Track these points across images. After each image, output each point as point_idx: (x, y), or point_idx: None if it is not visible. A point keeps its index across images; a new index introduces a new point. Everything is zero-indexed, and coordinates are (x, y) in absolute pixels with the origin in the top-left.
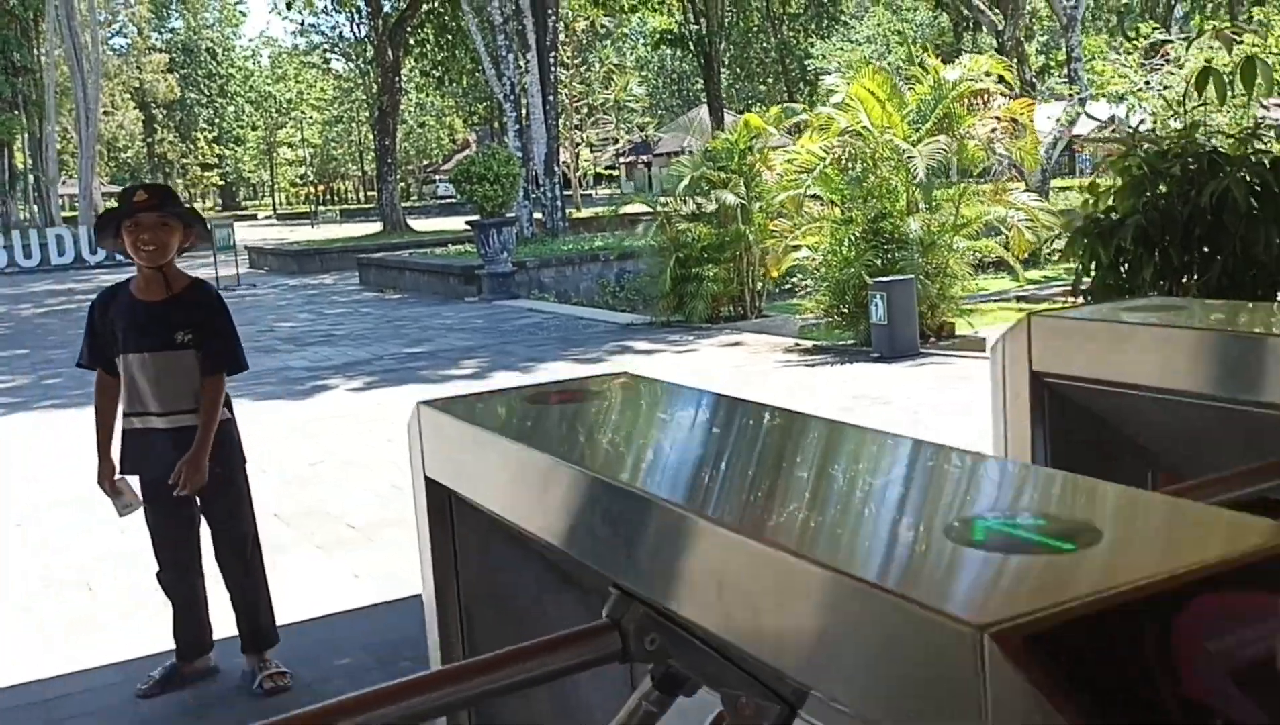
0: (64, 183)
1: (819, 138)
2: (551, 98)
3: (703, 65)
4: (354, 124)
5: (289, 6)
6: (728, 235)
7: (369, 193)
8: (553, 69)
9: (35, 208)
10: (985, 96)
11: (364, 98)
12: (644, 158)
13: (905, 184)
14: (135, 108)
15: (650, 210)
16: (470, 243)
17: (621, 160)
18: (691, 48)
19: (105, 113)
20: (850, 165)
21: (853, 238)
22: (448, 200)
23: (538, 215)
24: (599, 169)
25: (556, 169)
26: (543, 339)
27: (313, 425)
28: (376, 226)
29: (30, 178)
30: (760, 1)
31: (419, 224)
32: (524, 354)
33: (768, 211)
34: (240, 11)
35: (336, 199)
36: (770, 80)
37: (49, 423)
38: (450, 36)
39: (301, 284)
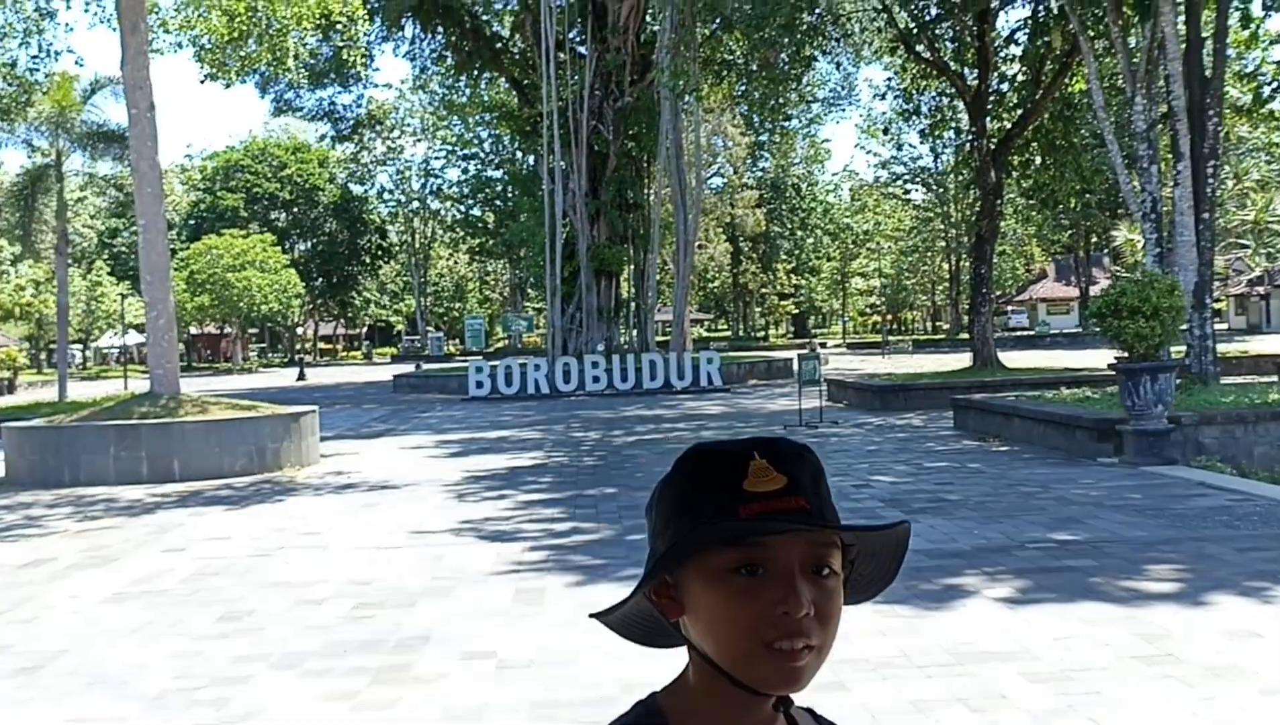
0: (658, 310)
1: None
2: (1207, 215)
3: None
4: (929, 253)
5: (885, 132)
6: None
7: (936, 323)
8: (1210, 181)
9: (634, 333)
10: None
11: (941, 227)
12: (1259, 289)
13: None
14: (725, 240)
15: None
16: (1085, 386)
17: (1230, 293)
18: None
19: (699, 245)
20: None
21: None
22: (1021, 332)
23: (1176, 353)
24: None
25: (1208, 301)
26: (1252, 537)
27: (973, 687)
28: (955, 359)
29: (632, 306)
30: None
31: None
32: (1240, 566)
33: None
34: (826, 149)
35: (903, 328)
36: None
37: None
38: (1059, 155)
39: (887, 424)
